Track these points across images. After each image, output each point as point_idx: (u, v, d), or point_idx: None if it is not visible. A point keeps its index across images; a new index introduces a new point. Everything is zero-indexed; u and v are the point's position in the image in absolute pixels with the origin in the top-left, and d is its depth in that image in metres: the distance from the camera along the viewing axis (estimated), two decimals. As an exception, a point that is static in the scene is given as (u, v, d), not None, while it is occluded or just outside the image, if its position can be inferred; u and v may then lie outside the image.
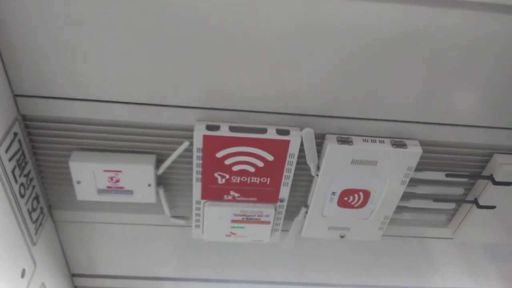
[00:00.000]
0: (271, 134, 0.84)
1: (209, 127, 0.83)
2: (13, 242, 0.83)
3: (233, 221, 0.97)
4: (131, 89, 0.80)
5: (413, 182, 0.97)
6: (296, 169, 0.90)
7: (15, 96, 0.79)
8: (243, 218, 0.97)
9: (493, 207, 0.99)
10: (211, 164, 0.87)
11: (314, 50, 0.75)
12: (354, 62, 0.77)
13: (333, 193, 0.93)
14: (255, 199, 0.95)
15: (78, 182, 0.89)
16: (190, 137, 0.84)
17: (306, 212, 0.99)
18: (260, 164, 0.88)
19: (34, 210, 0.92)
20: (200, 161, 0.87)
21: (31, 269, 0.92)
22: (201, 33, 0.72)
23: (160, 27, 0.71)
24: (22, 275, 0.88)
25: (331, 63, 0.77)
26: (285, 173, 0.90)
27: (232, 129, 0.83)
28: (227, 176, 0.90)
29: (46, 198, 0.98)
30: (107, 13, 0.69)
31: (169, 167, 0.90)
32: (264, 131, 0.84)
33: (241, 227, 0.99)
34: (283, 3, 0.69)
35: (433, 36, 0.74)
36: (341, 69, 0.78)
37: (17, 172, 0.83)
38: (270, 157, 0.87)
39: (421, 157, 0.88)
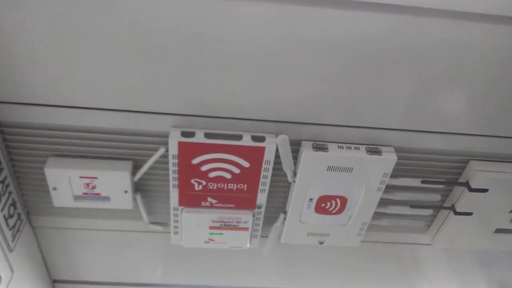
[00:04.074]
0: (247, 141, 0.84)
1: (184, 134, 0.83)
2: (-13, 248, 0.83)
3: (211, 227, 0.97)
4: (107, 96, 0.80)
5: (390, 188, 0.97)
6: (273, 175, 0.90)
7: (-11, 102, 0.79)
8: (221, 225, 0.97)
9: (470, 214, 0.99)
10: (187, 170, 0.87)
11: (290, 58, 0.76)
12: (330, 69, 0.78)
13: (310, 200, 0.94)
14: (232, 205, 0.95)
15: (54, 189, 0.89)
16: (166, 143, 0.84)
17: (285, 218, 0.99)
18: (236, 170, 0.88)
19: (11, 216, 0.91)
20: (176, 168, 0.87)
21: (8, 276, 0.92)
22: (177, 40, 0.72)
23: (136, 34, 0.71)
24: (-2, 282, 0.88)
25: (307, 71, 0.78)
26: (261, 180, 0.90)
27: (207, 135, 0.84)
28: (204, 183, 0.90)
29: (23, 204, 0.98)
30: (83, 21, 0.69)
31: (145, 174, 0.90)
32: (239, 137, 0.84)
33: (220, 234, 0.99)
34: (261, 12, 0.69)
35: (411, 46, 0.74)
36: (317, 76, 0.78)
37: (-9, 178, 0.83)
38: (246, 164, 0.87)
39: (397, 164, 0.89)
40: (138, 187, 0.95)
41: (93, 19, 0.69)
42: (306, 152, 0.85)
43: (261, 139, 0.85)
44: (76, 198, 0.91)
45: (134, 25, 0.70)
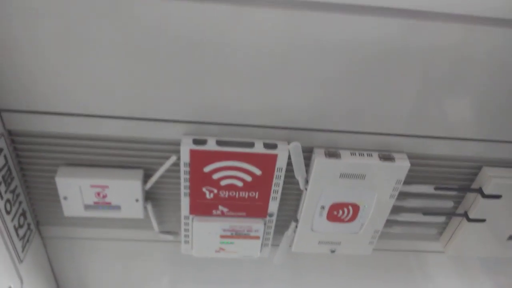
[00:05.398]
0: (259, 148, 0.84)
1: (196, 141, 0.82)
2: (-2, 259, 0.83)
3: (222, 236, 0.97)
4: (117, 103, 0.80)
5: (402, 195, 0.96)
6: (284, 183, 0.90)
7: (1, 111, 0.79)
8: (232, 233, 0.96)
9: (483, 220, 0.98)
10: (198, 178, 0.87)
11: (301, 64, 0.75)
12: (341, 75, 0.77)
13: (322, 207, 0.93)
14: (244, 213, 0.94)
15: (65, 198, 0.88)
16: (178, 151, 0.84)
17: (296, 227, 0.98)
18: (248, 178, 0.87)
19: (21, 226, 0.91)
20: (188, 176, 0.86)
21: (18, 287, 0.91)
22: (188, 48, 0.72)
23: (147, 42, 0.71)
24: (8, 293, 0.87)
25: (318, 77, 0.77)
26: (273, 187, 0.89)
27: (219, 143, 0.83)
28: (215, 191, 0.89)
29: (33, 214, 0.97)
30: (94, 29, 0.69)
31: (157, 182, 0.90)
32: (251, 145, 0.84)
33: (231, 243, 0.98)
34: (268, 17, 0.69)
35: (421, 50, 0.74)
36: (329, 82, 0.78)
37: (2, 188, 0.82)
38: (258, 171, 0.86)
39: (410, 170, 0.88)
40: (148, 196, 0.94)
41: (104, 27, 0.69)
42: (319, 159, 0.85)
43: (273, 146, 0.84)
44: (87, 207, 0.90)
45: (145, 33, 0.70)
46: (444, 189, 0.95)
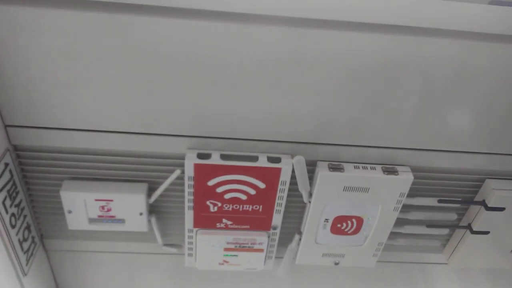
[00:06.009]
0: (263, 162, 0.84)
1: (200, 156, 0.83)
2: (3, 273, 0.83)
3: (226, 249, 0.97)
4: (122, 119, 0.80)
5: (406, 208, 0.96)
6: (288, 196, 0.90)
7: (6, 126, 0.79)
8: (236, 246, 0.96)
9: (486, 233, 0.98)
10: (203, 192, 0.87)
11: (304, 78, 0.76)
12: (345, 89, 0.78)
13: (326, 220, 0.93)
14: (248, 226, 0.94)
15: (70, 212, 0.89)
16: (182, 165, 0.84)
17: (300, 239, 0.98)
18: (252, 191, 0.87)
19: (25, 240, 0.91)
20: (192, 190, 0.86)
21: (22, 300, 0.91)
22: (191, 63, 0.73)
23: (150, 58, 0.72)
24: (12, 307, 0.87)
25: (322, 91, 0.78)
26: (277, 201, 0.90)
27: (223, 157, 0.84)
28: (219, 204, 0.89)
29: (38, 228, 0.97)
30: (98, 46, 0.70)
31: (161, 196, 0.90)
32: (255, 159, 0.84)
33: (234, 255, 0.98)
34: (271, 32, 0.70)
35: (423, 64, 0.75)
36: (332, 96, 0.79)
37: (7, 202, 0.82)
38: (262, 185, 0.86)
39: (413, 183, 0.88)
40: (152, 209, 0.94)
41: (108, 44, 0.70)
42: (322, 173, 0.85)
43: (277, 160, 0.84)
44: (91, 221, 0.91)
45: (148, 50, 0.71)
46: (447, 202, 0.95)
